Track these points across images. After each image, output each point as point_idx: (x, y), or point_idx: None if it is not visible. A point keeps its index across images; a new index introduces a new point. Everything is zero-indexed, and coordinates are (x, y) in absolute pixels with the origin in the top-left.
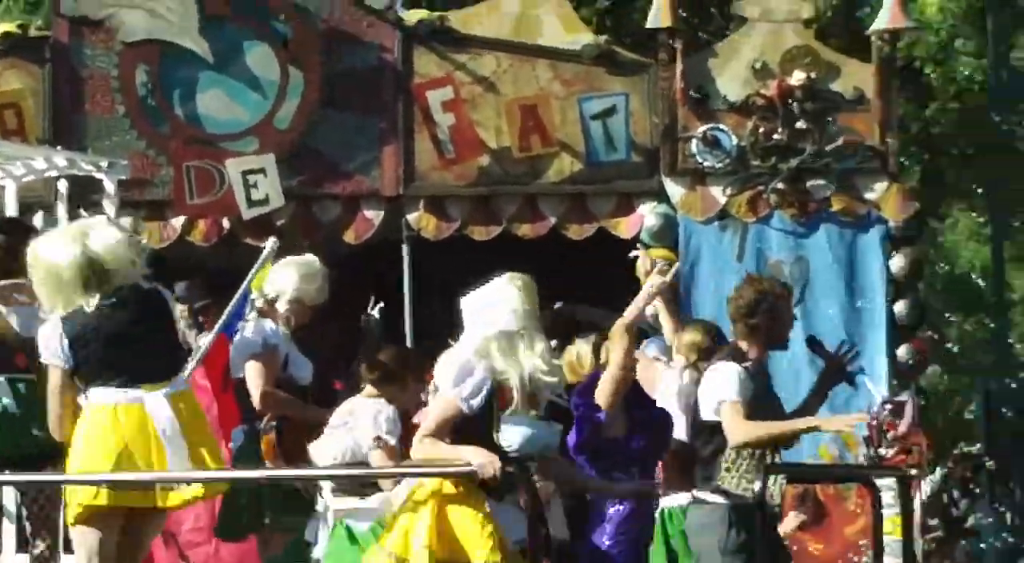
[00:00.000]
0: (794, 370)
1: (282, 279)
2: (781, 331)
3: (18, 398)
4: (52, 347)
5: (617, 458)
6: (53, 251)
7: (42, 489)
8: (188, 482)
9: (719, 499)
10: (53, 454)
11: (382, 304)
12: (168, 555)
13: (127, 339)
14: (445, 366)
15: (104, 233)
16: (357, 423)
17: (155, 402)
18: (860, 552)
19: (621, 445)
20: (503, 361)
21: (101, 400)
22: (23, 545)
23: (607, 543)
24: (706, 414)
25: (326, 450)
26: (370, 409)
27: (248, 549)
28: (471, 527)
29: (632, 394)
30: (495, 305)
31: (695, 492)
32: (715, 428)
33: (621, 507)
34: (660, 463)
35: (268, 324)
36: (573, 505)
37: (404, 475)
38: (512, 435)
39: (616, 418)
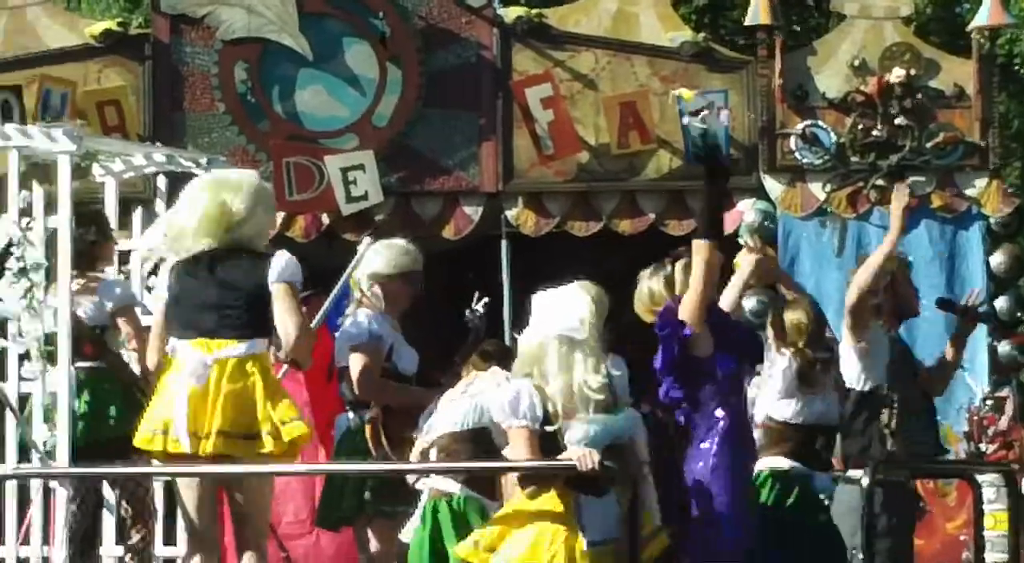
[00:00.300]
0: (936, 333)
1: (367, 263)
2: (908, 302)
3: (90, 388)
4: (160, 282)
5: (705, 378)
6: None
7: (137, 481)
8: (278, 474)
9: (864, 478)
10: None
11: (487, 299)
12: (292, 546)
13: (200, 296)
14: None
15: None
16: (482, 389)
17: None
18: (961, 547)
19: (708, 365)
20: (553, 366)
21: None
22: (121, 536)
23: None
24: (853, 382)
25: (447, 417)
26: (494, 378)
27: (347, 540)
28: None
29: (717, 316)
30: (565, 309)
31: (843, 472)
32: (864, 398)
33: (719, 424)
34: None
35: (373, 315)
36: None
37: (502, 470)
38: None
39: (702, 337)
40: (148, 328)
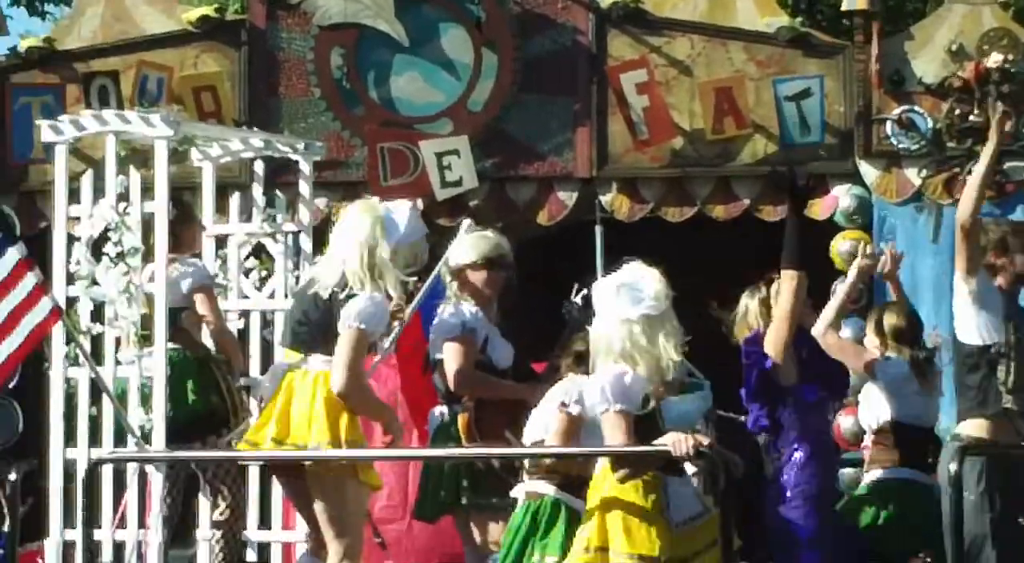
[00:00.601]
0: None
1: (455, 252)
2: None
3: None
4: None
5: (787, 406)
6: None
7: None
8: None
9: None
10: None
11: (585, 291)
12: (383, 529)
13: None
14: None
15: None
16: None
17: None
18: None
19: (792, 393)
20: (640, 346)
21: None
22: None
23: (787, 505)
24: (966, 337)
25: (538, 424)
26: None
27: (440, 528)
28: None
29: (805, 344)
30: (638, 289)
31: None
32: (980, 353)
33: (799, 453)
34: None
35: (467, 306)
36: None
37: (594, 454)
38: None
39: (787, 366)
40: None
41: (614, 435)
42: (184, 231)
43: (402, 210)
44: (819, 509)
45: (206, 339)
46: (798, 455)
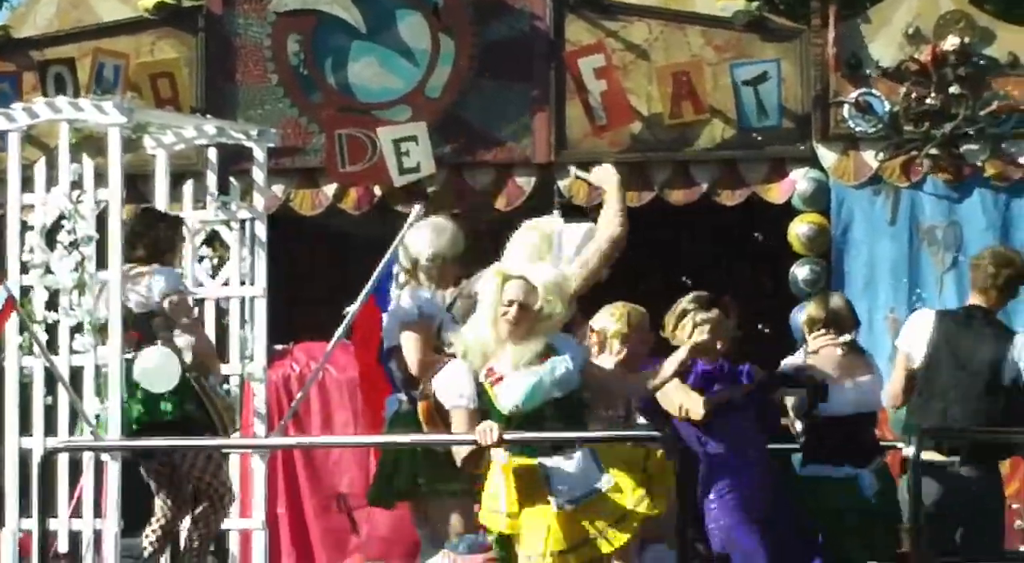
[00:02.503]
0: None
1: (415, 241)
2: None
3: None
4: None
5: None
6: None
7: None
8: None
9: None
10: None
11: None
12: (339, 518)
13: None
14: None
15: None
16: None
17: None
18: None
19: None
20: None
21: None
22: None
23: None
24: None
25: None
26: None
27: (404, 515)
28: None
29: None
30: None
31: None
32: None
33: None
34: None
35: (423, 292)
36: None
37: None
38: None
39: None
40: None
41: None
42: (176, 248)
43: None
44: (744, 509)
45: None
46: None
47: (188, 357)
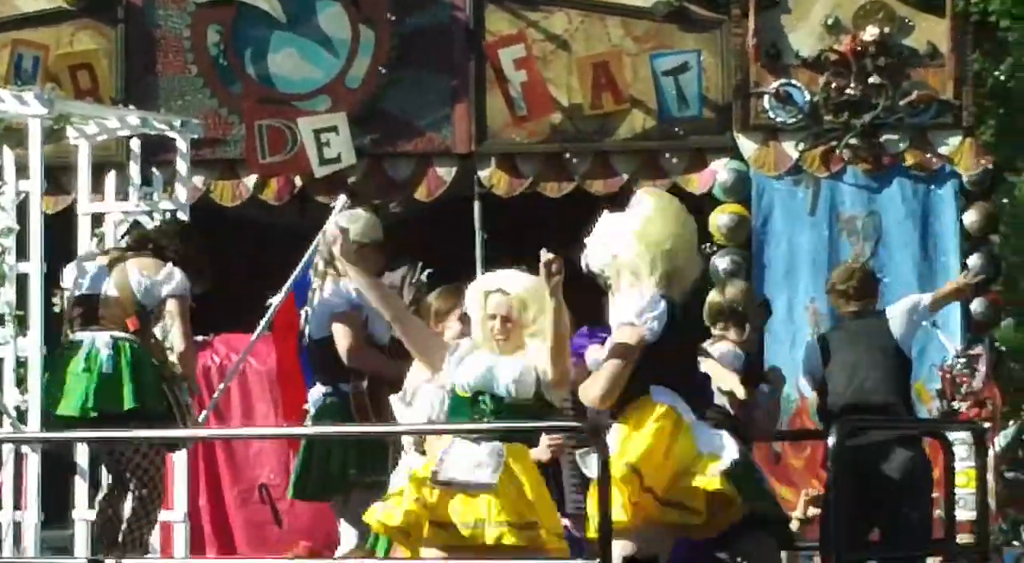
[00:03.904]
0: None
1: (331, 231)
2: None
3: (116, 358)
4: None
5: None
6: None
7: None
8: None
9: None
10: (141, 420)
11: (430, 270)
12: (261, 508)
13: None
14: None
15: None
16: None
17: None
18: (933, 505)
19: None
20: None
21: None
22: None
23: None
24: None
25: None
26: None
27: (325, 506)
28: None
29: None
30: None
31: None
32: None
33: None
34: None
35: (347, 283)
36: None
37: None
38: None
39: None
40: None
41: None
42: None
43: None
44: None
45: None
46: None
47: (173, 358)
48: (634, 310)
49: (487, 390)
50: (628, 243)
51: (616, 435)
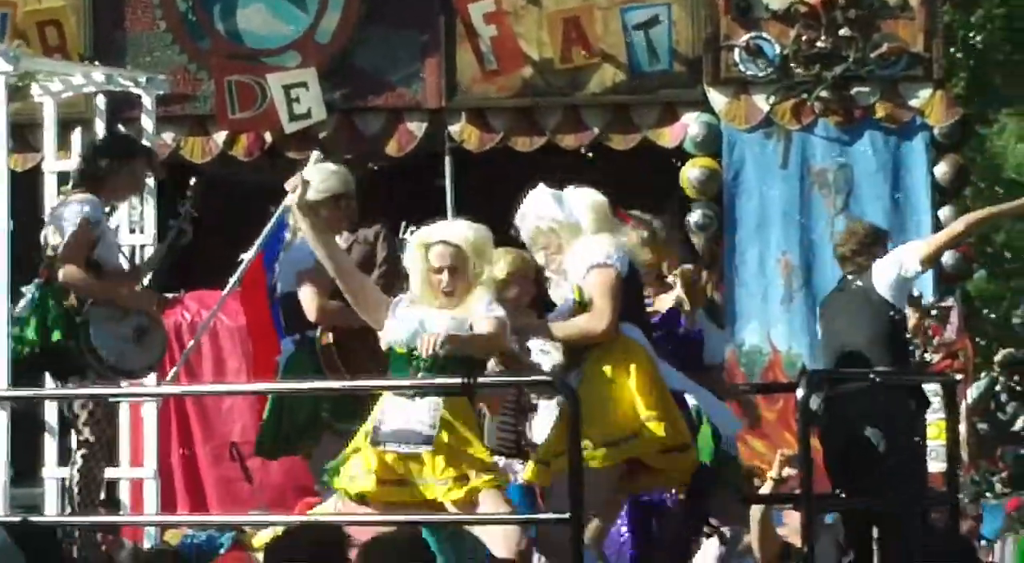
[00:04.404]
0: None
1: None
2: None
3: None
4: None
5: None
6: None
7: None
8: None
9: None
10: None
11: (414, 228)
12: (232, 466)
13: None
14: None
15: None
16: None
17: None
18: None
19: None
20: None
21: None
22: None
23: None
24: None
25: None
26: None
27: (296, 461)
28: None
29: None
30: None
31: None
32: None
33: None
34: None
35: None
36: None
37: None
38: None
39: None
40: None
41: None
42: (119, 178)
43: None
44: None
45: None
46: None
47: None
48: (600, 253)
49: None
50: (563, 204)
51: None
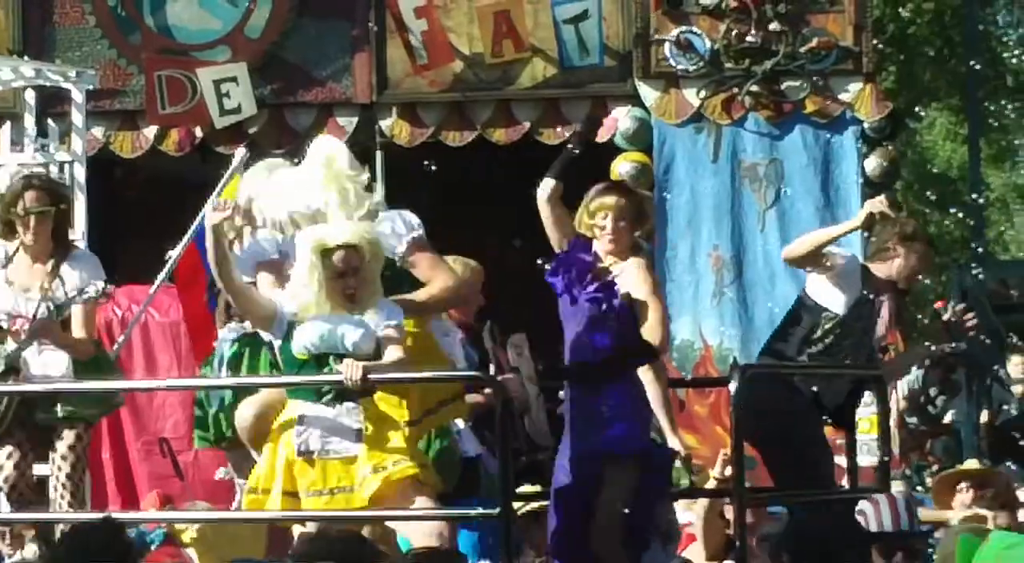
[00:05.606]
0: None
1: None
2: None
3: None
4: None
5: None
6: None
7: None
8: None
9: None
10: None
11: None
12: (163, 462)
13: None
14: None
15: None
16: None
17: None
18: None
19: None
20: None
21: None
22: None
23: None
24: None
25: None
26: None
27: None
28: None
29: None
30: None
31: None
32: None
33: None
34: None
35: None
36: None
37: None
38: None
39: None
40: None
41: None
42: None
43: None
44: None
45: None
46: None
47: None
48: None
49: (331, 350)
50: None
51: None
